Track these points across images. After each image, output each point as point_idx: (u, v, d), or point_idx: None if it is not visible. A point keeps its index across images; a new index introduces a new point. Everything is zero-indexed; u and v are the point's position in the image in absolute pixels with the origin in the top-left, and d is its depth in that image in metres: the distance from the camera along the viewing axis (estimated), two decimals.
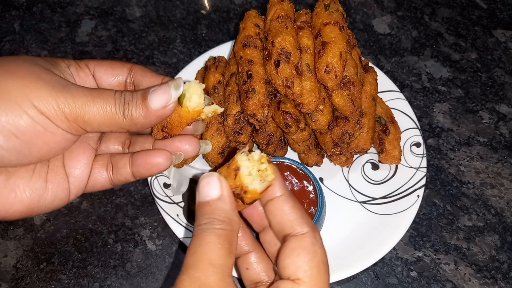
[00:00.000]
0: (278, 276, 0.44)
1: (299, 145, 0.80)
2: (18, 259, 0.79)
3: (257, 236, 0.53)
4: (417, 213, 0.78)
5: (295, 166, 0.72)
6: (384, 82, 0.89)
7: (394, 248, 0.78)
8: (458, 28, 1.07)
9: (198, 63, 0.93)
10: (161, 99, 0.48)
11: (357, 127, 0.76)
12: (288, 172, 0.71)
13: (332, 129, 0.75)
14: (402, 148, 0.83)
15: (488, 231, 0.81)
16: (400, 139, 0.82)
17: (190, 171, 0.83)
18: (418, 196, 0.78)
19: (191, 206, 0.78)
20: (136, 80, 0.55)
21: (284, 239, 0.45)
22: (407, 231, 0.79)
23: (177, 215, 0.77)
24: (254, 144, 0.83)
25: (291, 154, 0.84)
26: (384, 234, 0.75)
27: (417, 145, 0.83)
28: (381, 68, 0.99)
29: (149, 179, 0.80)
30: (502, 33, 1.06)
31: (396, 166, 0.83)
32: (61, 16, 1.11)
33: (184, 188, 0.81)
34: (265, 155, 0.46)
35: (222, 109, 0.54)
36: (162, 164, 0.53)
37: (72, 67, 0.52)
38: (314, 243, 0.43)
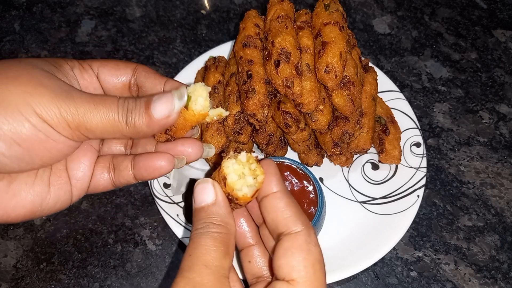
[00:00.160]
0: (274, 276, 0.44)
1: (299, 145, 0.80)
2: (18, 259, 0.79)
3: None
4: (417, 213, 0.78)
5: (295, 166, 0.72)
6: (384, 82, 0.89)
7: (394, 248, 0.78)
8: (458, 28, 1.07)
9: (198, 63, 0.93)
10: (164, 109, 0.47)
11: (357, 127, 0.76)
12: (288, 172, 0.71)
13: (332, 129, 0.75)
14: (402, 148, 0.83)
15: (488, 231, 0.81)
16: (400, 139, 0.82)
17: (190, 171, 0.83)
18: (418, 196, 0.78)
19: (191, 206, 0.78)
20: (140, 82, 0.55)
21: (278, 238, 0.44)
22: (407, 231, 0.79)
23: (177, 215, 0.77)
24: (254, 144, 0.83)
25: (291, 154, 0.84)
26: (384, 234, 0.75)
27: (417, 145, 0.83)
28: (381, 68, 0.99)
29: None
30: (502, 33, 1.06)
31: (396, 166, 0.83)
32: (61, 16, 1.11)
33: (184, 188, 0.81)
34: (252, 155, 0.46)
35: (227, 113, 0.54)
36: (165, 168, 0.53)
37: (75, 69, 0.52)
38: (308, 241, 0.43)
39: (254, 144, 0.83)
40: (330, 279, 0.71)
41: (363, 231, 0.77)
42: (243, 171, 0.45)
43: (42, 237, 0.81)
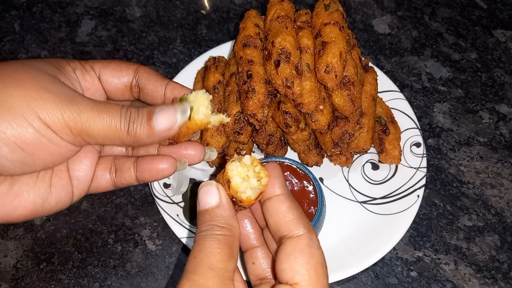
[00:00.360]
0: (278, 280, 0.44)
1: (299, 145, 0.80)
2: (18, 259, 0.79)
3: None
4: (417, 213, 0.78)
5: (295, 166, 0.72)
6: (384, 82, 0.89)
7: (394, 248, 0.78)
8: (458, 28, 1.07)
9: (198, 63, 0.93)
10: (166, 121, 0.48)
11: (357, 127, 0.76)
12: (288, 172, 0.71)
13: (332, 129, 0.75)
14: (402, 148, 0.83)
15: (488, 231, 0.81)
16: (400, 139, 0.82)
17: (190, 171, 0.83)
18: (418, 196, 0.78)
19: (191, 206, 0.78)
20: (141, 83, 0.55)
21: (280, 241, 0.45)
22: (407, 231, 0.79)
23: (177, 215, 0.77)
24: (254, 144, 0.83)
25: (291, 154, 0.84)
26: (384, 234, 0.75)
27: (417, 145, 0.83)
28: (381, 68, 0.99)
29: None
30: (502, 33, 1.06)
31: (396, 166, 0.83)
32: (61, 16, 1.11)
33: (184, 188, 0.81)
34: (256, 158, 0.46)
35: (228, 119, 0.54)
36: (167, 171, 0.53)
37: (77, 71, 0.52)
38: (310, 245, 0.43)
39: (254, 144, 0.83)
40: (330, 279, 0.71)
41: (363, 231, 0.77)
42: (247, 174, 0.45)
43: (42, 237, 0.81)
